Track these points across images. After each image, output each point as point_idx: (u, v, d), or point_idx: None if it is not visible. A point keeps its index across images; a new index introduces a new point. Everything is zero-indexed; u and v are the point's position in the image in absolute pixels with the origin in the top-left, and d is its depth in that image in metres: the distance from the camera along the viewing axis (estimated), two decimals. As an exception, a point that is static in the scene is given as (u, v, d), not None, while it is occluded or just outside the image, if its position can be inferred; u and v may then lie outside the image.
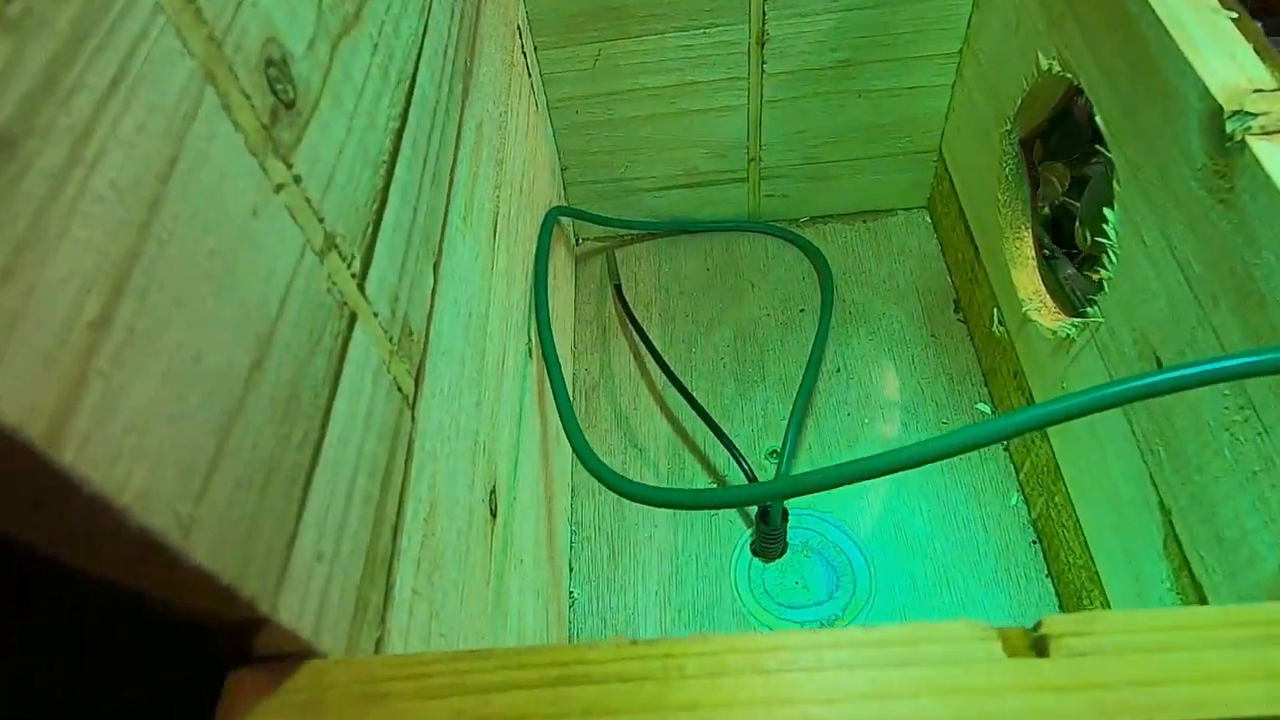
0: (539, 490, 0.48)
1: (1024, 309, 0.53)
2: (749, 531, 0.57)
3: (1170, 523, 0.39)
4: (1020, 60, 0.51)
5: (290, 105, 0.20)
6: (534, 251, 0.53)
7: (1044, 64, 0.47)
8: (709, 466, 0.60)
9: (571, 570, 0.57)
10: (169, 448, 0.14)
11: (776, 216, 0.73)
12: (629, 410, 0.64)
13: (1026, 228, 0.56)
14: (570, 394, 0.62)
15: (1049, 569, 0.53)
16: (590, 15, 0.57)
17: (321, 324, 0.20)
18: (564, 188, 0.70)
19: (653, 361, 0.64)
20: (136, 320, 0.13)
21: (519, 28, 0.54)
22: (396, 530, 0.25)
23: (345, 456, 0.21)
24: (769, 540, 0.55)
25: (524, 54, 0.55)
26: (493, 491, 0.37)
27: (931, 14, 0.58)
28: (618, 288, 0.69)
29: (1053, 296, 0.54)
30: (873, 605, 0.54)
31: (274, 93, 0.19)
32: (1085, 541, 0.48)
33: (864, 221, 0.73)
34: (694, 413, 0.60)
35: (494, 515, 0.37)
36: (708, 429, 0.59)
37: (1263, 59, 0.33)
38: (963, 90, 0.62)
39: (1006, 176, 0.55)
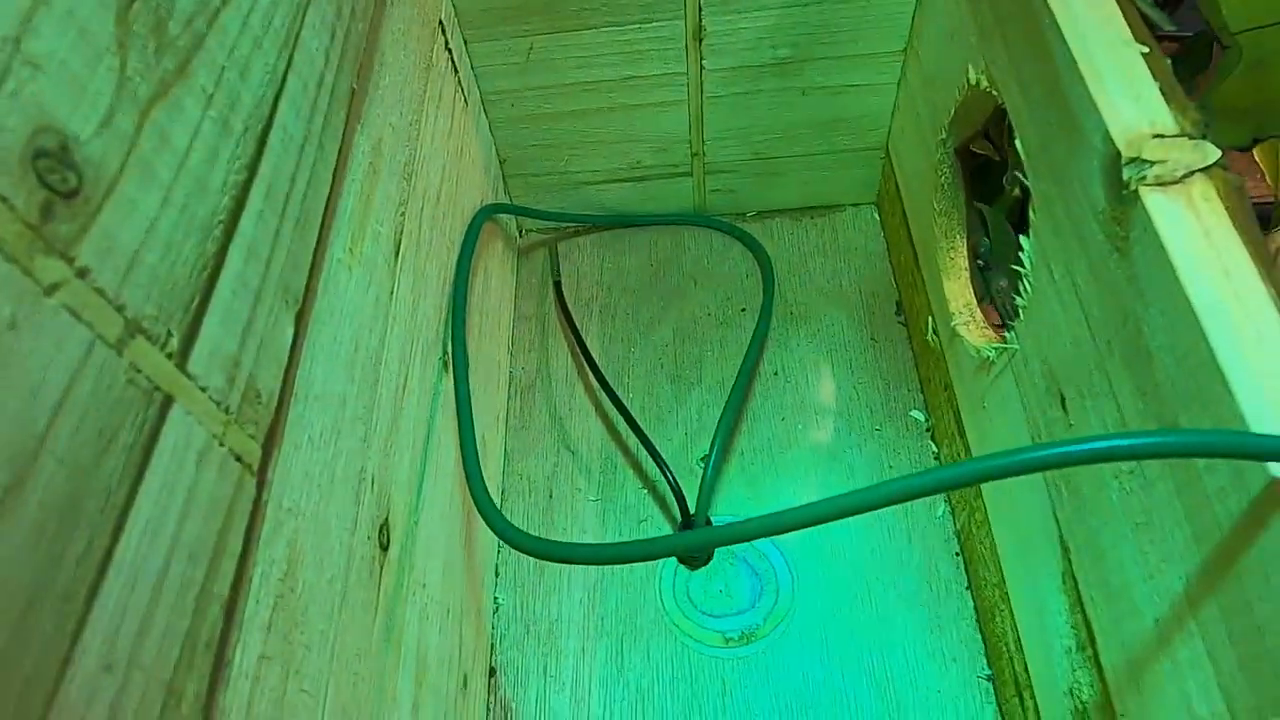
0: (455, 504, 0.48)
1: (952, 322, 0.53)
2: (676, 539, 0.57)
3: (1069, 559, 0.39)
4: (955, 68, 0.49)
5: (72, 194, 0.19)
6: (457, 257, 0.52)
7: (973, 77, 0.46)
8: (641, 472, 0.60)
9: (498, 576, 0.57)
10: None
11: (723, 211, 0.72)
12: (564, 411, 0.63)
13: (961, 237, 0.55)
14: (507, 394, 0.61)
15: (969, 582, 0.54)
16: (520, 8, 0.55)
17: (117, 420, 0.20)
18: (504, 180, 0.68)
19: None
20: None
21: (441, 23, 0.52)
22: (232, 606, 0.24)
23: (151, 552, 0.21)
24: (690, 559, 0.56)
25: (448, 50, 0.53)
26: (384, 525, 0.37)
27: (873, 12, 0.56)
28: (557, 284, 0.68)
29: (986, 310, 0.54)
30: (793, 616, 0.54)
31: (46, 185, 0.18)
32: (999, 561, 0.48)
33: (811, 218, 0.72)
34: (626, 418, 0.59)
35: (385, 548, 0.37)
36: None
37: (1168, 100, 0.32)
38: (906, 91, 0.60)
39: (942, 185, 0.54)
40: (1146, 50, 0.34)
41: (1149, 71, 0.33)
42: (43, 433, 0.17)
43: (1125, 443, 0.25)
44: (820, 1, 0.56)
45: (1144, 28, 0.35)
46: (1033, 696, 0.45)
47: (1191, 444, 0.25)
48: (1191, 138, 0.31)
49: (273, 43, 0.29)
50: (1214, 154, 0.30)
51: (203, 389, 0.23)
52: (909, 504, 0.57)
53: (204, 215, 0.24)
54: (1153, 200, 0.30)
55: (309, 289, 0.31)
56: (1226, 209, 0.29)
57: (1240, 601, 0.26)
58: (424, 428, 0.44)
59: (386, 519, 0.37)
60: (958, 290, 0.54)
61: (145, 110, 0.22)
